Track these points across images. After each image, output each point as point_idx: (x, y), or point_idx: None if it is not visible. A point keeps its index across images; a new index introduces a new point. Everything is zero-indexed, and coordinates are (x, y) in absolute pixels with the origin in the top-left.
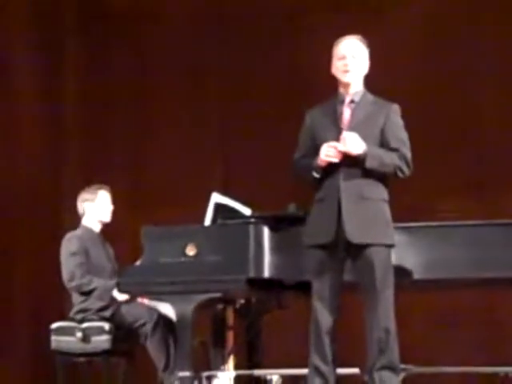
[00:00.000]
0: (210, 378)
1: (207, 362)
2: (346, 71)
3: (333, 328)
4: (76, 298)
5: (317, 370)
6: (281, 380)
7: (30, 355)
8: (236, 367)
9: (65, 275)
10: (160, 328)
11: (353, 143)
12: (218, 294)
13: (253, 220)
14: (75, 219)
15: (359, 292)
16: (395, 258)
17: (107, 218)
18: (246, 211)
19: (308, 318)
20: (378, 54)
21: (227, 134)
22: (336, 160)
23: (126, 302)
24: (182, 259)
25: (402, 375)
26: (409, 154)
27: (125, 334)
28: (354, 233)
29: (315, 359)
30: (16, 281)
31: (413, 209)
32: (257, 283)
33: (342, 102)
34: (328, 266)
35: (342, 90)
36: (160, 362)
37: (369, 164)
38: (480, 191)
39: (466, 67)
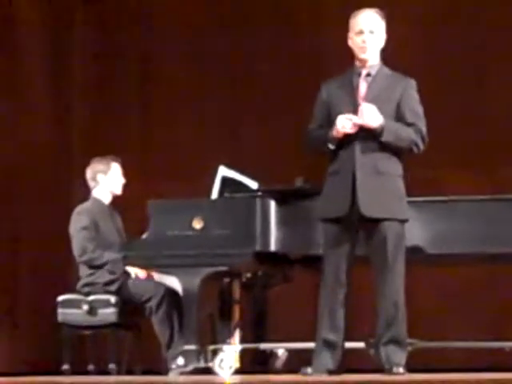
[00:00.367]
0: (215, 352)
1: (213, 336)
2: (364, 48)
3: (344, 301)
4: (83, 271)
5: (325, 343)
6: (286, 354)
7: (37, 327)
8: (242, 341)
9: (76, 249)
10: (166, 303)
11: (370, 115)
12: (224, 268)
13: (259, 194)
14: (85, 193)
15: (369, 266)
16: None
17: (119, 191)
18: (253, 185)
19: (313, 292)
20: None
21: (236, 108)
22: (352, 131)
23: (136, 276)
24: (189, 232)
25: (408, 349)
26: (424, 129)
27: (131, 308)
28: (368, 207)
29: (325, 332)
30: (23, 254)
31: (422, 182)
32: (263, 257)
33: (359, 74)
34: (341, 240)
35: (358, 63)
36: (164, 338)
37: (385, 138)
38: (490, 166)
39: (475, 35)
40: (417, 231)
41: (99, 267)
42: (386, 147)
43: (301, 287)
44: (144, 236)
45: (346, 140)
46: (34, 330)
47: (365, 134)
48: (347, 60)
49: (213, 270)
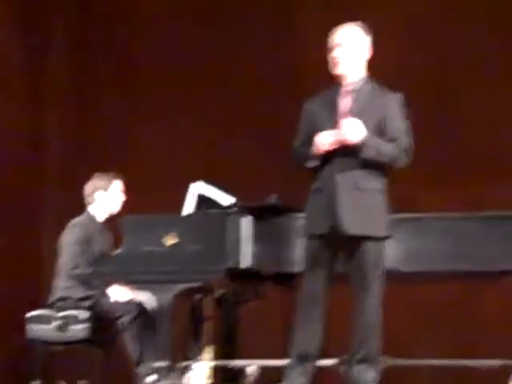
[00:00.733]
0: (187, 368)
1: (185, 352)
2: (336, 63)
3: (321, 318)
4: (61, 283)
5: (299, 359)
6: (258, 370)
7: (7, 342)
8: (214, 357)
9: (68, 262)
10: (138, 322)
11: (352, 130)
12: (197, 284)
13: (233, 210)
14: (56, 208)
15: (344, 284)
16: None
17: (117, 209)
18: (230, 199)
19: (285, 309)
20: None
21: (212, 122)
22: (331, 148)
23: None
24: (162, 248)
25: (380, 367)
26: (408, 144)
27: (103, 324)
28: (349, 224)
29: (299, 348)
30: None
31: (395, 200)
32: (235, 273)
33: (342, 90)
34: (322, 256)
35: (340, 79)
36: (135, 354)
37: (365, 154)
38: (463, 184)
39: (449, 61)
40: (388, 248)
41: (84, 283)
42: (366, 163)
43: (273, 304)
44: (117, 251)
45: (327, 157)
46: (3, 345)
47: (345, 151)
48: (328, 76)
49: (186, 286)
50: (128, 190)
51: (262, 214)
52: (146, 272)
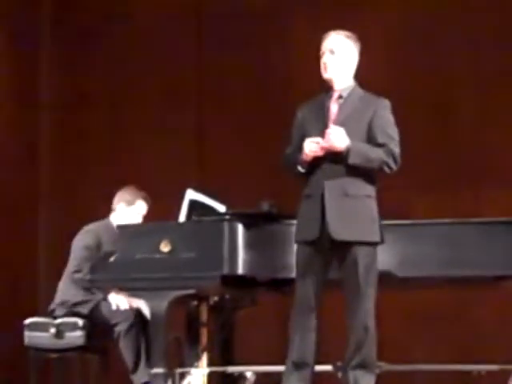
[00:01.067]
0: (183, 375)
1: (181, 359)
2: (325, 68)
3: (315, 324)
4: (63, 285)
5: (295, 366)
6: (254, 376)
7: (3, 350)
8: (209, 364)
9: (73, 265)
10: (134, 330)
11: (336, 138)
12: (192, 291)
13: (227, 217)
14: (50, 217)
15: (338, 289)
16: None
17: None
18: (221, 208)
19: (281, 315)
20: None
21: (203, 130)
22: (319, 154)
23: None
24: (157, 255)
25: (376, 372)
26: (397, 150)
27: (99, 331)
28: (338, 230)
29: (295, 355)
30: None
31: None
32: (231, 280)
33: (330, 97)
34: (313, 262)
35: (330, 85)
36: (130, 363)
37: (352, 160)
38: (456, 189)
39: (442, 65)
40: (385, 255)
41: (84, 288)
42: (355, 169)
43: (269, 310)
44: (112, 259)
45: (316, 163)
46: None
47: (333, 157)
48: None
49: (180, 293)
50: None
51: (256, 221)
52: (140, 279)
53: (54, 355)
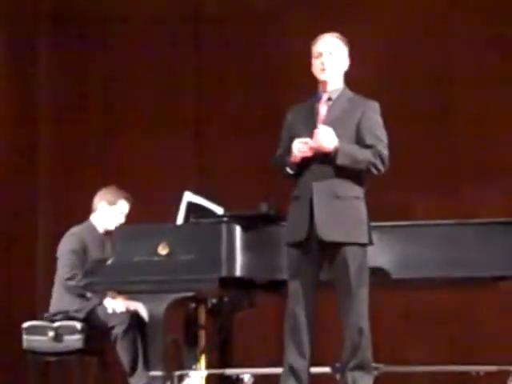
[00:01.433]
0: (181, 377)
1: (179, 361)
2: (323, 69)
3: (309, 326)
4: (58, 295)
5: (291, 369)
6: (252, 379)
7: (1, 354)
8: (208, 366)
9: (65, 272)
10: (131, 332)
11: (325, 138)
12: (190, 293)
13: (225, 219)
14: (48, 219)
15: (333, 291)
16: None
17: (112, 228)
18: (219, 210)
19: (279, 317)
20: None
21: (201, 132)
22: (308, 155)
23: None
24: (155, 258)
25: (374, 374)
26: (385, 151)
27: (97, 334)
28: (326, 231)
29: (290, 357)
30: None
31: (389, 207)
32: (229, 282)
33: (320, 99)
34: (304, 264)
35: (320, 87)
36: (127, 366)
37: (340, 161)
38: (456, 190)
39: (439, 65)
40: (384, 256)
41: (79, 295)
42: (343, 170)
43: (267, 312)
44: (109, 261)
45: (305, 165)
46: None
47: (322, 158)
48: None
49: (179, 295)
50: None
51: (255, 223)
52: (138, 282)
53: (52, 359)
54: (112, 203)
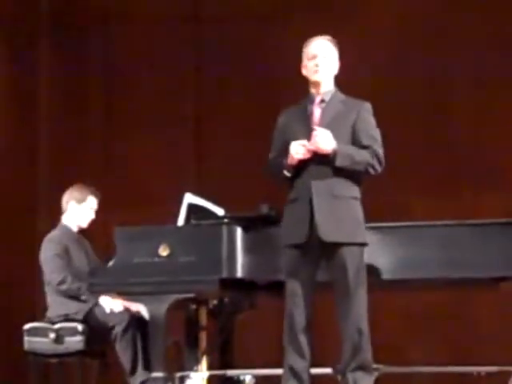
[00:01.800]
0: (183, 379)
1: (180, 363)
2: (317, 71)
3: (308, 327)
4: (52, 301)
5: (292, 370)
6: (254, 380)
7: (2, 355)
8: (209, 367)
9: (55, 277)
10: (130, 332)
11: (323, 140)
12: (190, 295)
13: (226, 220)
14: (48, 221)
15: (332, 292)
16: (367, 257)
17: (85, 225)
18: (219, 211)
19: (280, 318)
20: (349, 52)
21: (201, 133)
22: (306, 157)
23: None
24: (156, 259)
25: (375, 375)
26: (381, 151)
27: (97, 335)
28: (327, 232)
29: (290, 359)
30: None
31: (388, 208)
32: (229, 283)
33: (313, 101)
34: (302, 266)
35: (312, 90)
36: (127, 366)
37: (339, 162)
38: (455, 191)
39: (439, 67)
40: (383, 256)
41: (74, 298)
42: (341, 171)
43: (267, 313)
44: (110, 263)
45: (302, 166)
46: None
47: (320, 160)
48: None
49: (179, 296)
50: (116, 205)
51: (255, 224)
52: (139, 283)
53: (53, 360)
54: (81, 201)
